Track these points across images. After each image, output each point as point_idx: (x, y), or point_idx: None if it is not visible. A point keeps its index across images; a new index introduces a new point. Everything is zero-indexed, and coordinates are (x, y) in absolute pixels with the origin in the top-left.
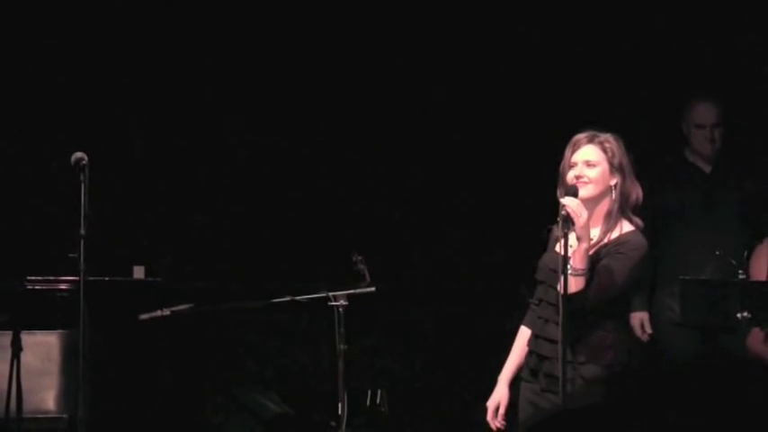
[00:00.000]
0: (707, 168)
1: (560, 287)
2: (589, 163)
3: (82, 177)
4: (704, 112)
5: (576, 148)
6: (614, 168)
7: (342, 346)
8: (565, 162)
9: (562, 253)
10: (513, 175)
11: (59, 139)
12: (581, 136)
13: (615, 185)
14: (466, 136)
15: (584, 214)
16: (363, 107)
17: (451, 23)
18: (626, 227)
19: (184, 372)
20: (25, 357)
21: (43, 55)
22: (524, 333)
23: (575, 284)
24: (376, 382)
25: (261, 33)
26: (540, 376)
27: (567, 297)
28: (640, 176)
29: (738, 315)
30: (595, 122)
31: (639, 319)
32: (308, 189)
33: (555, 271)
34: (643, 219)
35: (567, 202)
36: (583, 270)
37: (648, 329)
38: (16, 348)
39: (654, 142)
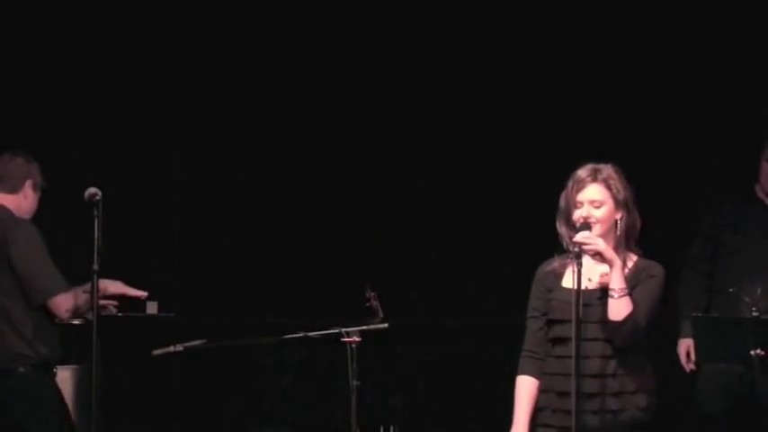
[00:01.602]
0: None
1: (609, 312)
2: (594, 203)
3: (95, 212)
4: None
5: (580, 186)
6: (619, 204)
7: (354, 383)
8: (568, 199)
9: (575, 287)
10: (531, 212)
11: (73, 175)
12: (584, 174)
13: (620, 219)
14: (484, 174)
15: (600, 240)
16: (378, 143)
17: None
18: (633, 256)
19: (198, 408)
20: None
21: (56, 90)
22: (526, 382)
23: (624, 307)
24: (388, 418)
25: (271, 65)
26: (585, 416)
27: (617, 322)
28: (709, 208)
29: (752, 352)
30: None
31: (687, 346)
32: (320, 225)
33: (583, 305)
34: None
35: (580, 237)
36: (626, 290)
37: (694, 358)
38: None
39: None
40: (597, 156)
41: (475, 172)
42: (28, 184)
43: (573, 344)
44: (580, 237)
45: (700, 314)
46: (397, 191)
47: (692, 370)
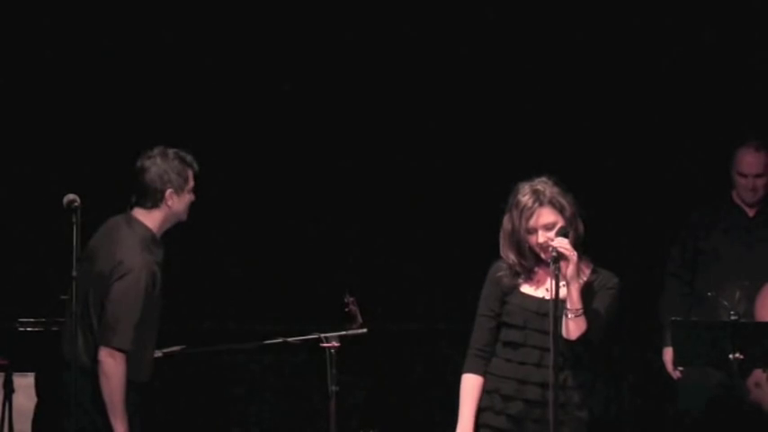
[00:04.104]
0: (750, 212)
1: (563, 329)
2: (548, 226)
3: (74, 219)
4: (747, 162)
5: (528, 214)
6: (568, 219)
7: (333, 388)
8: (517, 226)
9: (553, 295)
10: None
11: (52, 181)
12: (529, 201)
13: (570, 231)
14: (462, 179)
15: (575, 253)
16: (357, 151)
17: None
18: (589, 265)
19: (176, 413)
20: (17, 399)
21: (37, 97)
22: (474, 381)
23: (578, 326)
24: (368, 423)
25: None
26: (527, 423)
27: (571, 340)
28: (687, 214)
29: (731, 356)
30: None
31: (672, 355)
32: (299, 231)
33: (542, 314)
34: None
35: (559, 243)
36: (581, 310)
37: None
38: (8, 390)
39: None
40: (578, 162)
41: (455, 176)
42: (168, 194)
43: (551, 353)
44: (558, 243)
45: (678, 318)
46: (375, 196)
47: (678, 377)
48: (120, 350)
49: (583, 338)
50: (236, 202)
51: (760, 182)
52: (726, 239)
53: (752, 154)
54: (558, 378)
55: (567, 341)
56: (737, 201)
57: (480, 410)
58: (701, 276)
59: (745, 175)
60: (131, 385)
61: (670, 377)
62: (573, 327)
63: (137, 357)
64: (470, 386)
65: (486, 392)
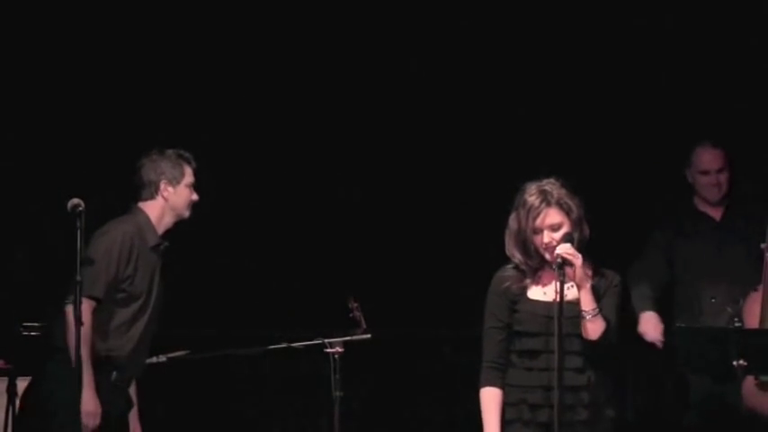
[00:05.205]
0: (717, 216)
1: (583, 331)
2: (554, 227)
3: (78, 224)
4: (707, 158)
5: (535, 213)
6: (574, 221)
7: (337, 393)
8: (523, 226)
9: (557, 299)
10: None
11: (56, 185)
12: (536, 201)
13: (576, 234)
14: (469, 183)
15: (580, 257)
16: (359, 155)
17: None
18: (591, 266)
19: (180, 418)
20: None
21: (39, 102)
22: (494, 393)
23: (598, 326)
24: (372, 429)
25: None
26: (554, 428)
27: (594, 341)
28: (656, 227)
29: (734, 363)
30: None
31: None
32: (302, 236)
33: (552, 318)
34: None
35: (561, 249)
36: (598, 309)
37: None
38: (12, 394)
39: (665, 193)
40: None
41: (460, 180)
42: (163, 185)
43: (555, 356)
44: (562, 249)
45: (683, 325)
46: (379, 200)
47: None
48: (84, 297)
49: (604, 338)
50: (240, 207)
51: (722, 177)
52: (697, 249)
53: (709, 151)
54: (582, 379)
55: (587, 341)
56: (702, 207)
57: (507, 423)
58: (680, 287)
59: (707, 172)
60: (110, 362)
61: (669, 378)
62: (592, 327)
63: (107, 325)
64: (491, 398)
65: (510, 405)
